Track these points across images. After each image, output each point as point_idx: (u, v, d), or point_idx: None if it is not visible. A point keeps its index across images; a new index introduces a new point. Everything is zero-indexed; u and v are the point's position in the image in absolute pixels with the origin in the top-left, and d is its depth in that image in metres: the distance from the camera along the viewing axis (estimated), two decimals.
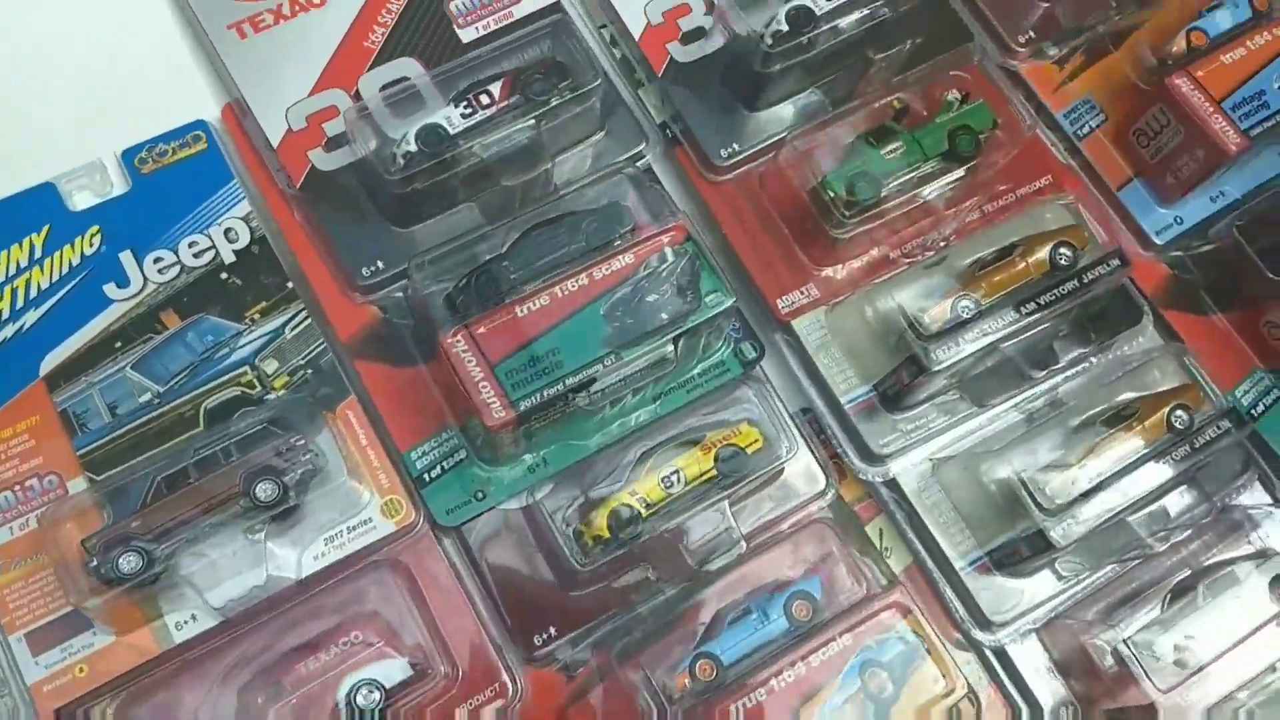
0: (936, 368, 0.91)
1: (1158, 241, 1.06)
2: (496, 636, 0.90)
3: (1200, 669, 0.87)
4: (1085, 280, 0.94)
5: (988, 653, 0.95)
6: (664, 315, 0.88)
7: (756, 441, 0.90)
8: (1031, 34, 1.09)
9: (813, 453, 0.99)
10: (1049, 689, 0.93)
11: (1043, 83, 1.10)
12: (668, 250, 0.90)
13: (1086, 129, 1.09)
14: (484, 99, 0.92)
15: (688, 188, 1.05)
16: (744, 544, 0.89)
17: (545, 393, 0.85)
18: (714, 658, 0.84)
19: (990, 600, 0.94)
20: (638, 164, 1.03)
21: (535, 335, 0.86)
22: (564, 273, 0.88)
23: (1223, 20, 1.07)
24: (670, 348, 0.87)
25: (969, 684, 0.88)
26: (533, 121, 0.91)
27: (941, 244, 1.02)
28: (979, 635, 0.94)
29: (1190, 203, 1.07)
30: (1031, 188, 1.06)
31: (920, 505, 0.97)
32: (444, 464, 0.93)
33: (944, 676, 0.85)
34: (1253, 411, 1.02)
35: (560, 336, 0.87)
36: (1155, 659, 0.86)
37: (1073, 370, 1.00)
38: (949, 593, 0.95)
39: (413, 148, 0.90)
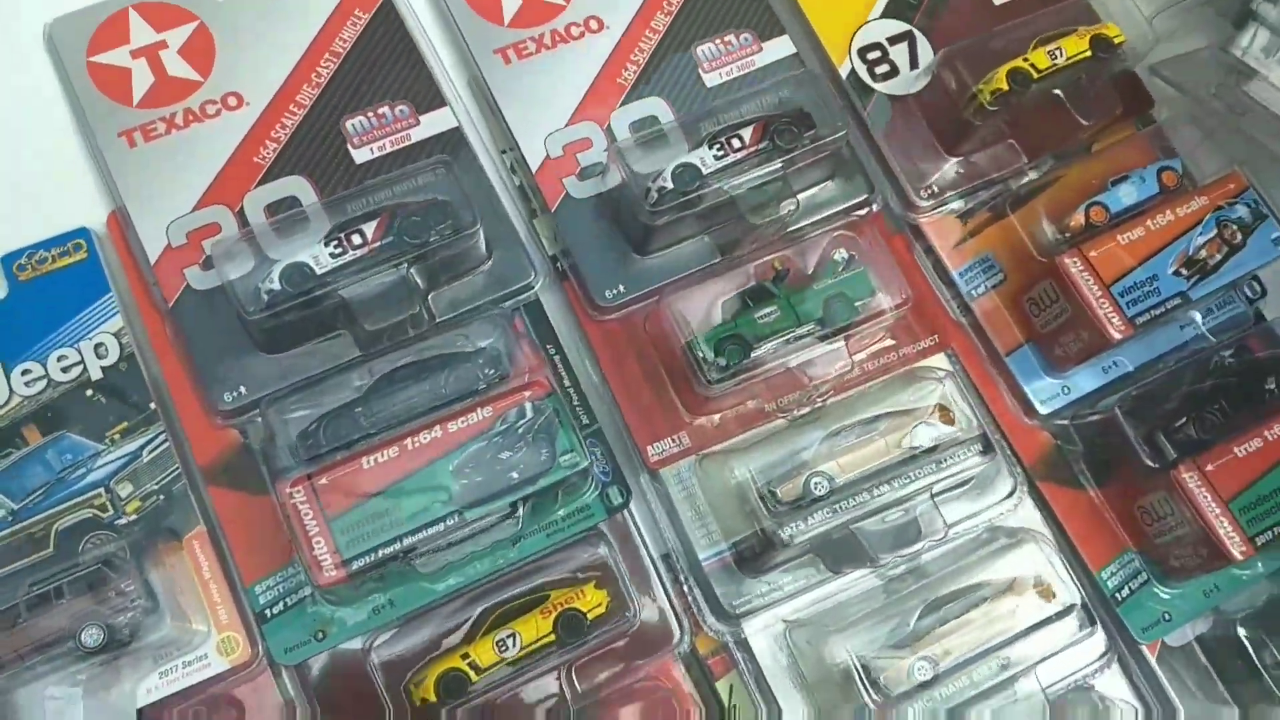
0: (781, 546, 0.91)
1: (1041, 410, 1.05)
2: None
3: None
4: (942, 464, 0.93)
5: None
6: (514, 475, 0.88)
7: (600, 606, 0.89)
8: (935, 188, 1.09)
9: (670, 602, 0.99)
10: None
11: (944, 237, 1.10)
12: (527, 405, 0.90)
13: (981, 288, 1.08)
14: (355, 239, 0.92)
15: (573, 324, 1.05)
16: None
17: (381, 552, 0.84)
18: None
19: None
20: (525, 295, 1.04)
21: (378, 490, 0.86)
22: (417, 424, 0.89)
23: (1127, 195, 1.05)
24: (519, 509, 0.87)
25: None
26: (405, 265, 0.92)
27: (817, 400, 1.01)
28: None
29: (1081, 371, 1.07)
30: (916, 346, 1.06)
31: (767, 667, 0.97)
32: (287, 600, 0.92)
33: None
34: (1117, 595, 1.01)
35: (404, 493, 0.86)
36: None
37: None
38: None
39: (276, 286, 0.89)
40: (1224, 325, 1.09)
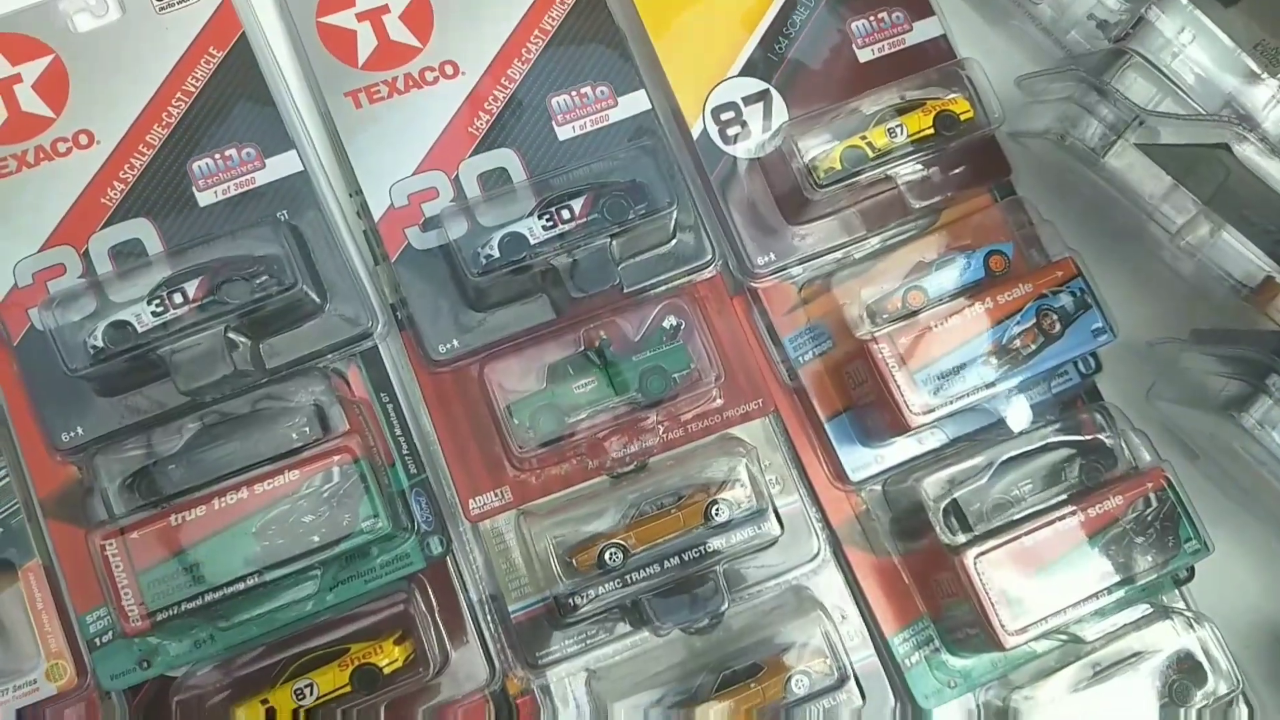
0: (571, 618, 0.96)
1: (853, 478, 1.09)
2: None
3: None
4: (732, 541, 0.98)
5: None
6: (315, 538, 0.93)
7: (397, 661, 0.96)
8: (773, 255, 1.11)
9: (485, 645, 1.06)
10: None
11: (778, 303, 1.12)
12: (335, 469, 0.95)
13: (809, 355, 1.11)
14: (177, 298, 0.95)
15: (409, 374, 1.09)
16: None
17: (184, 606, 0.91)
18: None
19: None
20: (363, 343, 1.07)
21: (184, 547, 0.92)
22: (226, 485, 0.94)
23: (949, 279, 1.07)
24: (317, 572, 0.93)
25: None
26: (221, 328, 0.95)
27: (639, 459, 1.06)
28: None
29: (896, 442, 1.11)
30: (741, 409, 1.09)
31: (570, 712, 1.04)
32: (115, 629, 0.99)
33: None
34: (906, 660, 1.07)
35: (208, 550, 0.92)
36: None
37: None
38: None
39: (100, 343, 0.93)
40: (1054, 399, 1.13)
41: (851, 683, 0.99)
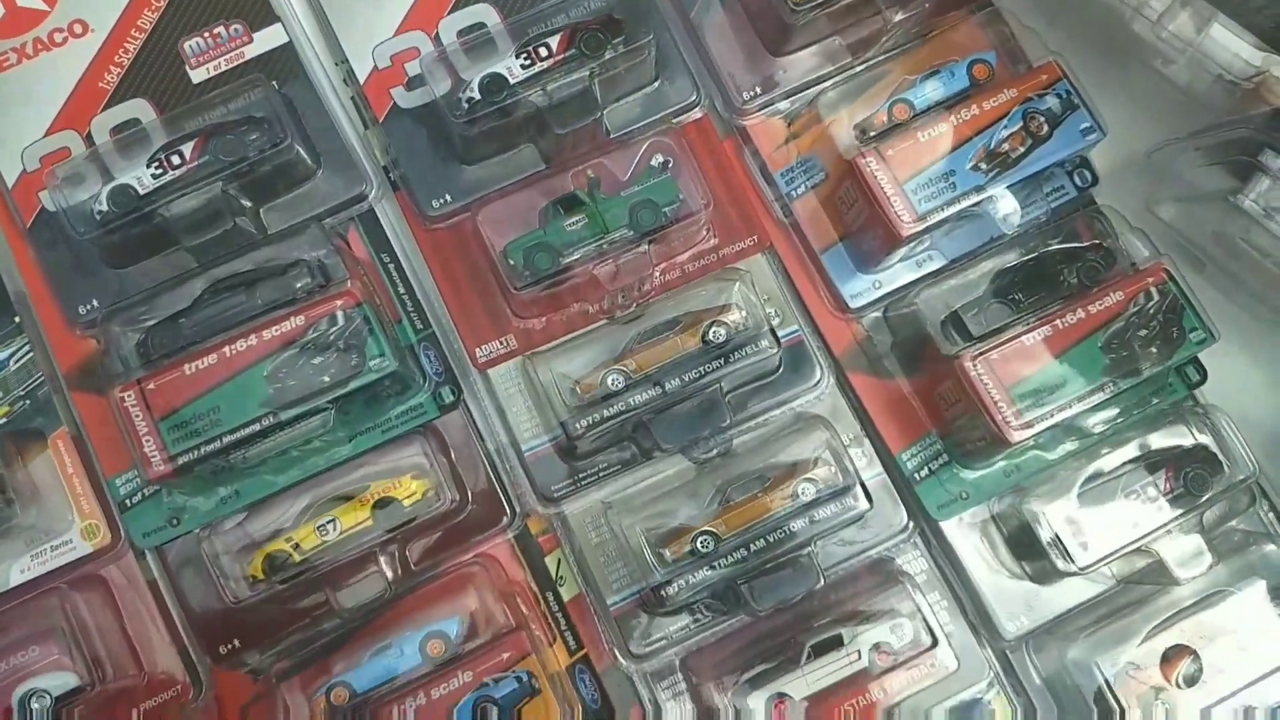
0: (578, 435, 0.98)
1: (852, 305, 1.10)
2: (188, 645, 1.03)
3: None
4: (732, 360, 0.99)
5: (634, 678, 1.06)
6: (325, 378, 0.96)
7: (415, 494, 0.99)
8: (759, 90, 1.11)
9: (504, 489, 1.09)
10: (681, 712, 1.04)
11: (768, 139, 1.12)
12: (339, 313, 0.98)
13: (802, 189, 1.11)
14: (175, 159, 0.98)
15: (406, 233, 1.11)
16: (389, 588, 0.99)
17: (203, 449, 0.94)
18: (349, 685, 0.96)
19: (634, 629, 1.04)
20: (359, 206, 1.10)
21: (199, 393, 0.95)
22: (235, 333, 0.97)
23: (934, 90, 1.07)
24: (329, 410, 0.96)
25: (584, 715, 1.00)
26: (218, 184, 0.98)
27: (638, 300, 1.07)
28: (624, 663, 1.05)
29: (894, 267, 1.11)
30: (736, 246, 1.10)
31: (584, 542, 1.07)
32: (144, 490, 1.03)
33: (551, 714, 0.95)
34: (916, 475, 1.08)
35: (223, 395, 0.95)
36: (752, 711, 0.97)
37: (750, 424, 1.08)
38: (603, 624, 1.06)
39: (105, 207, 0.97)
40: (1052, 216, 1.12)
41: (858, 487, 1.00)
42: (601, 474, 1.06)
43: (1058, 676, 1.05)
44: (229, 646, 1.03)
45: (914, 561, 1.09)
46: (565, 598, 1.09)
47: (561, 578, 1.09)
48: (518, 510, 1.08)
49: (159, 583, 1.04)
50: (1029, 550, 1.05)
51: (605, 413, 0.99)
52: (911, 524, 1.07)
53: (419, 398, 1.07)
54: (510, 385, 1.07)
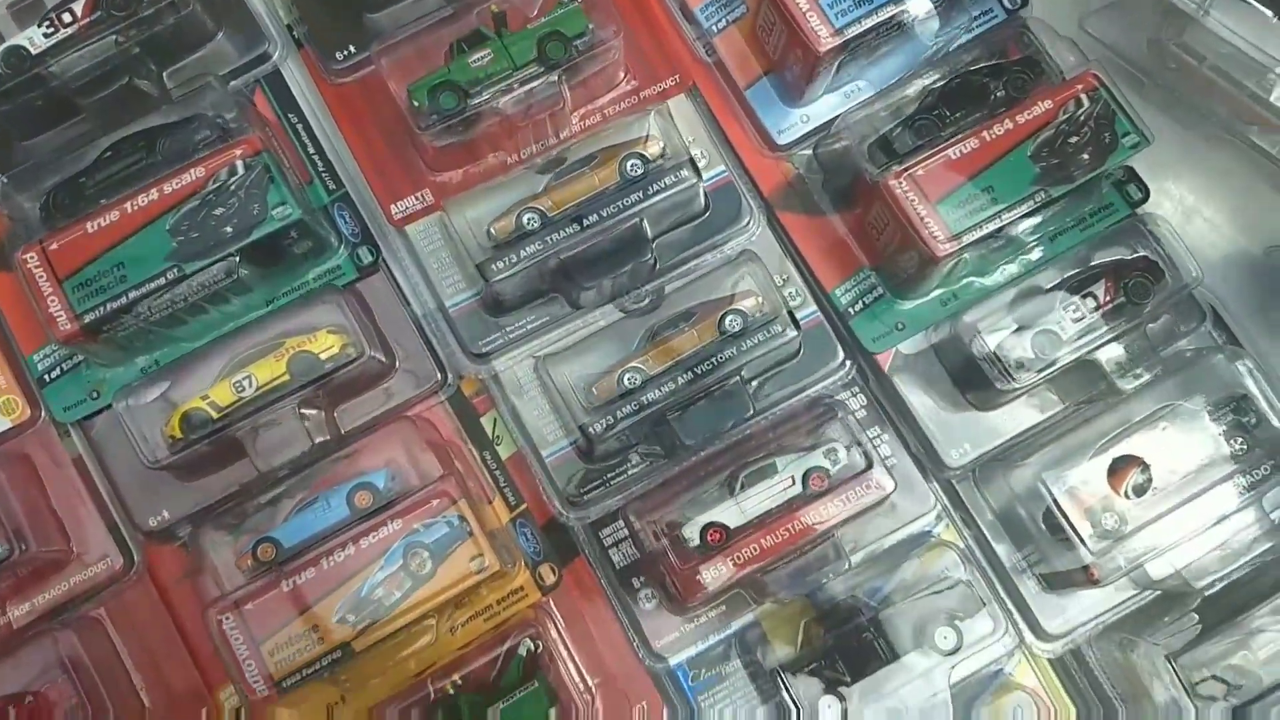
0: (495, 278, 0.96)
1: (780, 141, 1.07)
2: (118, 521, 1.02)
3: None
4: (650, 192, 0.96)
5: (576, 527, 1.04)
6: (228, 229, 0.94)
7: (330, 349, 0.96)
8: None
9: (433, 353, 1.06)
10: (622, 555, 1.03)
11: None
12: (239, 163, 0.95)
13: (723, 23, 1.08)
14: (66, 17, 0.95)
15: (313, 91, 1.08)
16: (311, 444, 0.96)
17: (108, 306, 0.92)
18: (275, 541, 0.94)
19: (571, 480, 1.02)
20: (264, 67, 1.07)
21: (102, 251, 0.93)
22: (135, 188, 0.94)
23: None
24: (235, 261, 0.94)
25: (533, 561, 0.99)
26: (112, 38, 0.95)
27: (554, 146, 1.04)
28: (564, 513, 1.04)
29: (822, 99, 1.07)
30: (656, 88, 1.07)
31: (517, 398, 1.04)
32: (63, 365, 1.01)
33: (480, 555, 0.94)
34: (851, 310, 1.05)
35: (126, 252, 0.93)
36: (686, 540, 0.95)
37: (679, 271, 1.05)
38: (540, 476, 1.04)
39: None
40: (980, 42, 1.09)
41: (785, 315, 0.97)
42: (530, 327, 1.04)
43: (1007, 503, 1.03)
44: (158, 519, 1.02)
45: (854, 399, 1.07)
46: (503, 455, 1.07)
47: (498, 437, 1.07)
48: (449, 372, 1.06)
49: (85, 459, 1.03)
50: (969, 375, 1.02)
51: (523, 252, 0.96)
52: (849, 361, 1.06)
53: (336, 259, 1.05)
54: (430, 242, 1.05)
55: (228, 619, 0.91)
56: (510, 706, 0.94)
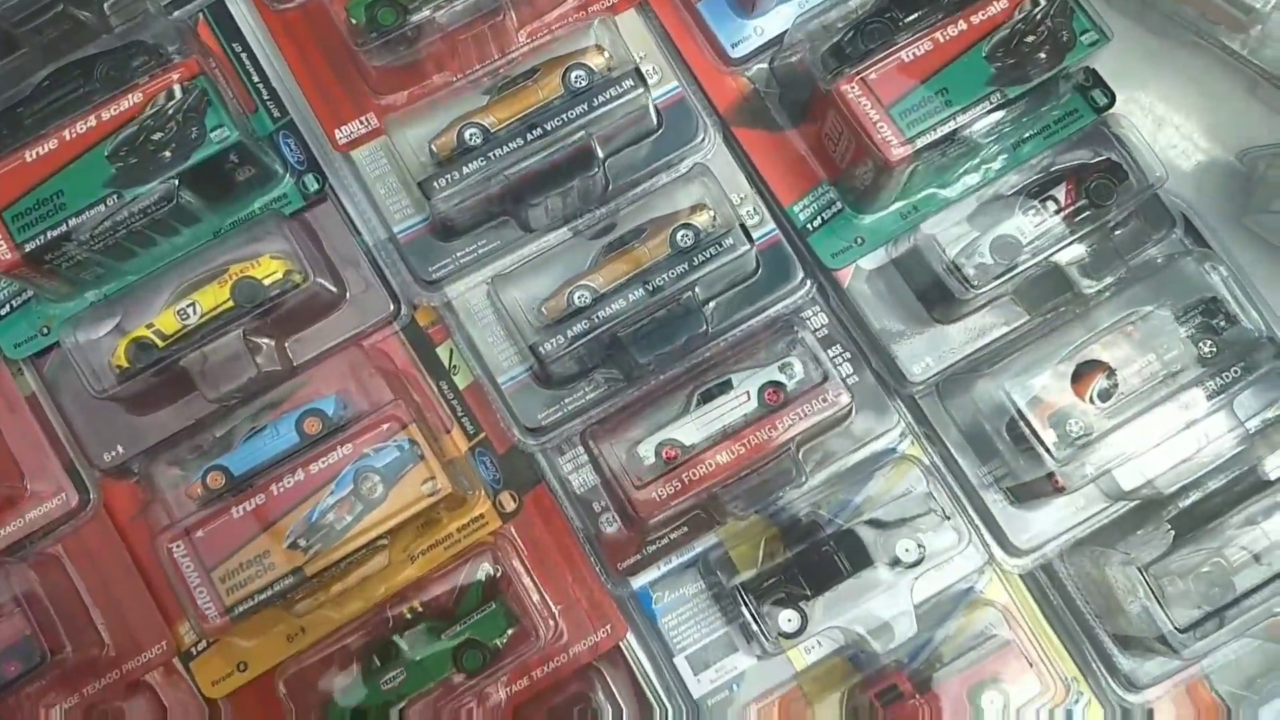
0: (437, 196, 0.94)
1: (734, 55, 1.04)
2: (73, 458, 1.01)
3: None
4: (596, 104, 0.94)
5: (536, 454, 1.03)
6: (167, 154, 0.92)
7: (274, 274, 0.95)
8: None
9: (385, 283, 1.05)
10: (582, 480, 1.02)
11: None
12: (176, 87, 0.93)
13: None
14: None
15: (256, 19, 1.06)
16: (258, 371, 0.94)
17: (48, 235, 0.91)
18: (225, 469, 0.93)
19: (528, 408, 1.01)
20: None
21: (40, 180, 0.91)
22: (74, 116, 0.93)
23: None
24: (176, 185, 0.92)
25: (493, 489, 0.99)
26: None
27: (503, 69, 1.02)
28: (522, 439, 1.02)
29: (775, 9, 1.05)
30: (606, 1, 1.04)
31: (471, 325, 1.03)
32: (12, 302, 1.01)
33: (432, 478, 0.93)
34: (809, 226, 1.03)
35: (65, 180, 0.91)
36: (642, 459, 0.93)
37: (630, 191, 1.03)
38: (498, 403, 1.03)
39: None
40: None
41: (738, 229, 0.95)
42: (481, 252, 1.02)
43: (972, 418, 1.01)
44: (113, 454, 1.01)
45: (815, 318, 1.05)
46: (460, 385, 1.06)
47: (455, 367, 1.06)
48: (403, 302, 1.05)
49: (38, 396, 1.02)
50: (930, 288, 1.00)
51: (465, 169, 0.94)
52: (809, 280, 1.03)
53: (282, 188, 1.03)
54: (376, 167, 1.03)
55: (178, 546, 0.91)
56: (468, 628, 0.93)
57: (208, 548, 0.91)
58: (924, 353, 1.01)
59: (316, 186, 1.03)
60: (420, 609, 0.95)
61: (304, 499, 0.92)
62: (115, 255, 0.97)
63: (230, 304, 0.94)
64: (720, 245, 0.95)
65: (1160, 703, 1.01)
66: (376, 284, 1.04)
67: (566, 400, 1.01)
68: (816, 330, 1.03)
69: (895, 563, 0.94)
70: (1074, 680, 1.01)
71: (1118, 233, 1.01)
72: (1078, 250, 0.95)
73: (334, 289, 1.01)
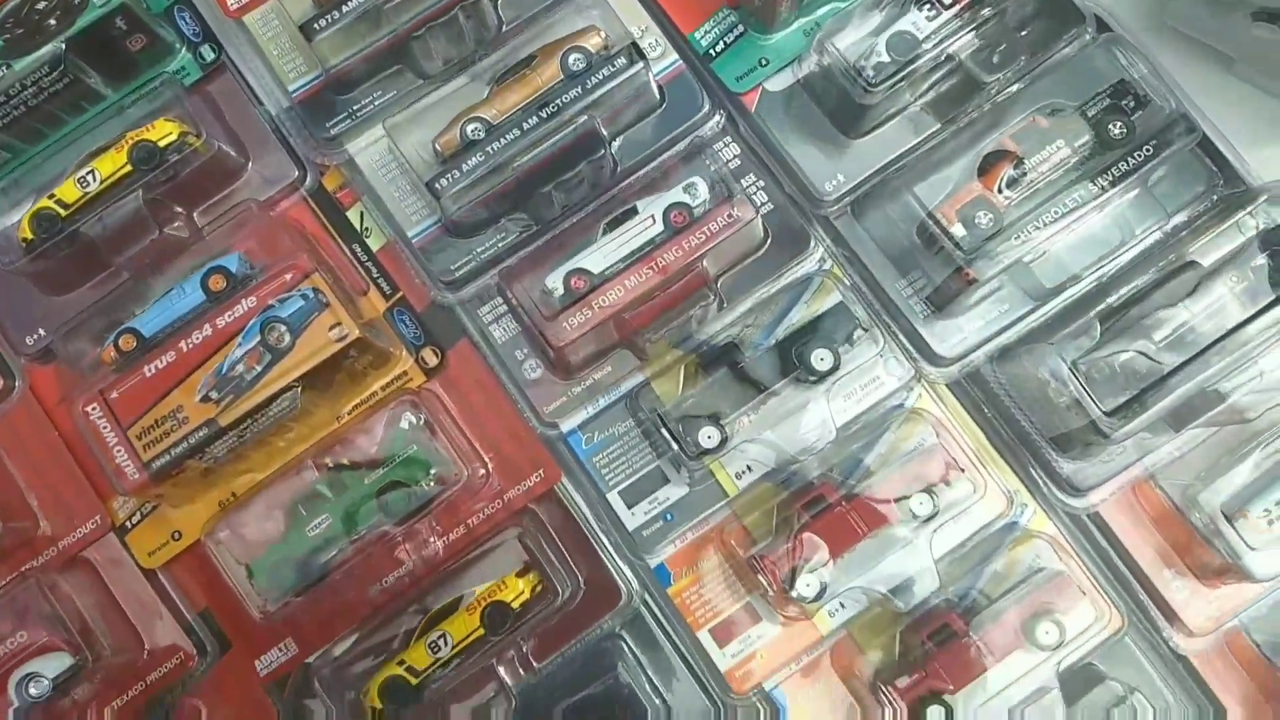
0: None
1: None
2: None
3: None
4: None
5: (456, 308, 1.02)
6: (52, 21, 0.92)
7: (170, 135, 0.94)
8: None
9: (289, 148, 1.04)
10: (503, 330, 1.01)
11: None
12: None
13: None
14: None
15: None
16: (158, 232, 0.93)
17: None
18: (135, 331, 0.93)
19: (442, 260, 1.00)
20: None
21: None
22: None
23: None
24: (64, 49, 0.92)
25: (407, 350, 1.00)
26: None
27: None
28: (440, 293, 1.01)
29: None
30: None
31: (376, 182, 1.02)
32: None
33: (339, 324, 0.92)
34: (712, 52, 1.01)
35: None
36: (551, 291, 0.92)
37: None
38: (411, 260, 1.02)
39: None
40: None
41: (630, 49, 0.93)
42: (379, 104, 1.01)
43: (887, 232, 0.99)
44: (34, 338, 1.01)
45: (726, 149, 1.03)
46: (374, 248, 1.05)
47: (367, 229, 1.05)
48: (308, 167, 1.04)
49: None
50: (834, 100, 0.98)
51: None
52: (716, 110, 1.01)
53: (179, 61, 1.03)
54: (269, 29, 1.02)
55: (93, 409, 0.91)
56: (390, 470, 0.93)
57: (123, 407, 0.91)
58: (835, 170, 1.00)
59: (213, 56, 1.03)
60: (346, 463, 0.96)
61: (213, 353, 0.92)
62: (21, 136, 0.97)
63: (128, 168, 0.94)
64: (613, 65, 0.93)
65: (1107, 506, 1.00)
66: (280, 149, 1.04)
67: (479, 250, 1.01)
68: (729, 162, 1.02)
69: (812, 372, 0.93)
70: (1016, 492, 1.00)
71: (1024, 33, 0.99)
72: (976, 42, 0.94)
73: (235, 154, 1.01)
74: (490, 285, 1.01)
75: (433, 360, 1.02)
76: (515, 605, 0.92)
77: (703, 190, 0.94)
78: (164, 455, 0.89)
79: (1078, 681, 0.96)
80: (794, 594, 0.90)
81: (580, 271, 0.93)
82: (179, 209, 0.98)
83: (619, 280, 0.92)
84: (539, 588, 0.94)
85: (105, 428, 0.90)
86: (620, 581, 0.98)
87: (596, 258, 0.93)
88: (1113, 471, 0.98)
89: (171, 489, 0.94)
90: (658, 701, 0.97)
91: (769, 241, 1.00)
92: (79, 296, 1.01)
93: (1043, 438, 0.98)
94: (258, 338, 0.91)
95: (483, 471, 0.99)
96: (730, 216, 0.92)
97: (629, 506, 0.99)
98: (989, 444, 1.00)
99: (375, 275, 1.04)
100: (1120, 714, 0.93)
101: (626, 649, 0.98)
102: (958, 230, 0.91)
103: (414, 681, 0.90)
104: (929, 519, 0.92)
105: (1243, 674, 0.98)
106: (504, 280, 0.98)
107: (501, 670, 0.95)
